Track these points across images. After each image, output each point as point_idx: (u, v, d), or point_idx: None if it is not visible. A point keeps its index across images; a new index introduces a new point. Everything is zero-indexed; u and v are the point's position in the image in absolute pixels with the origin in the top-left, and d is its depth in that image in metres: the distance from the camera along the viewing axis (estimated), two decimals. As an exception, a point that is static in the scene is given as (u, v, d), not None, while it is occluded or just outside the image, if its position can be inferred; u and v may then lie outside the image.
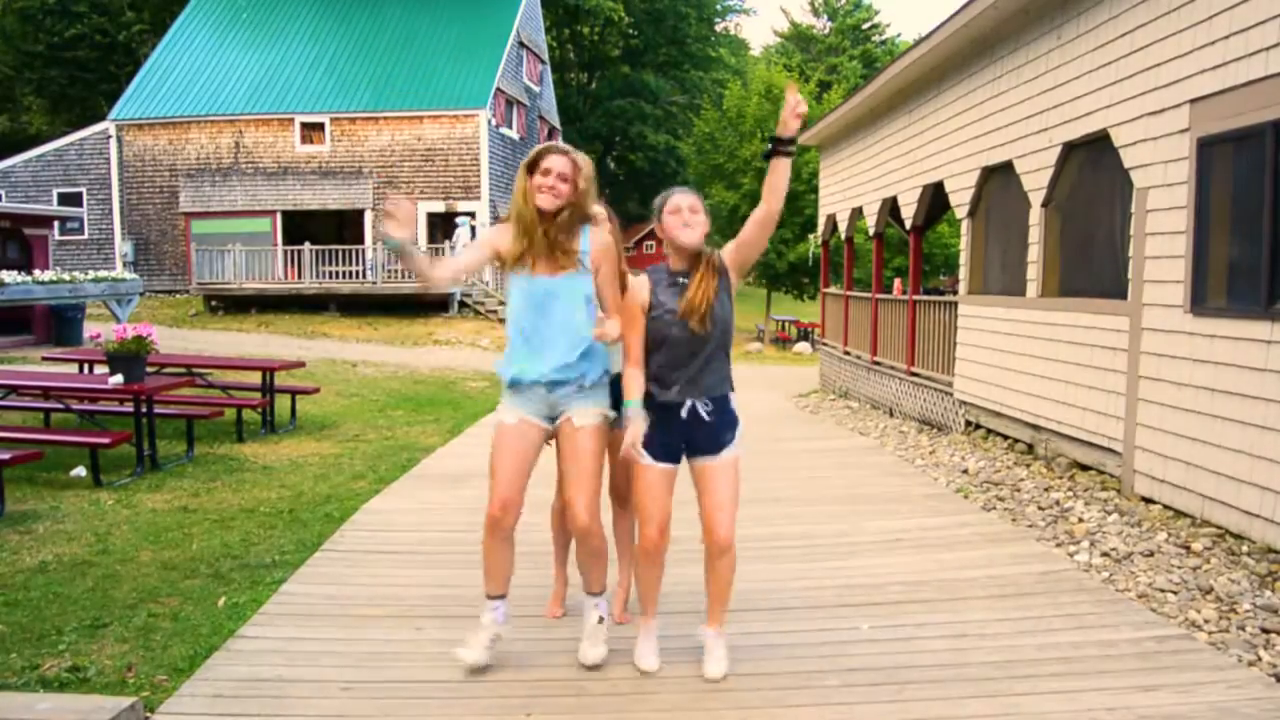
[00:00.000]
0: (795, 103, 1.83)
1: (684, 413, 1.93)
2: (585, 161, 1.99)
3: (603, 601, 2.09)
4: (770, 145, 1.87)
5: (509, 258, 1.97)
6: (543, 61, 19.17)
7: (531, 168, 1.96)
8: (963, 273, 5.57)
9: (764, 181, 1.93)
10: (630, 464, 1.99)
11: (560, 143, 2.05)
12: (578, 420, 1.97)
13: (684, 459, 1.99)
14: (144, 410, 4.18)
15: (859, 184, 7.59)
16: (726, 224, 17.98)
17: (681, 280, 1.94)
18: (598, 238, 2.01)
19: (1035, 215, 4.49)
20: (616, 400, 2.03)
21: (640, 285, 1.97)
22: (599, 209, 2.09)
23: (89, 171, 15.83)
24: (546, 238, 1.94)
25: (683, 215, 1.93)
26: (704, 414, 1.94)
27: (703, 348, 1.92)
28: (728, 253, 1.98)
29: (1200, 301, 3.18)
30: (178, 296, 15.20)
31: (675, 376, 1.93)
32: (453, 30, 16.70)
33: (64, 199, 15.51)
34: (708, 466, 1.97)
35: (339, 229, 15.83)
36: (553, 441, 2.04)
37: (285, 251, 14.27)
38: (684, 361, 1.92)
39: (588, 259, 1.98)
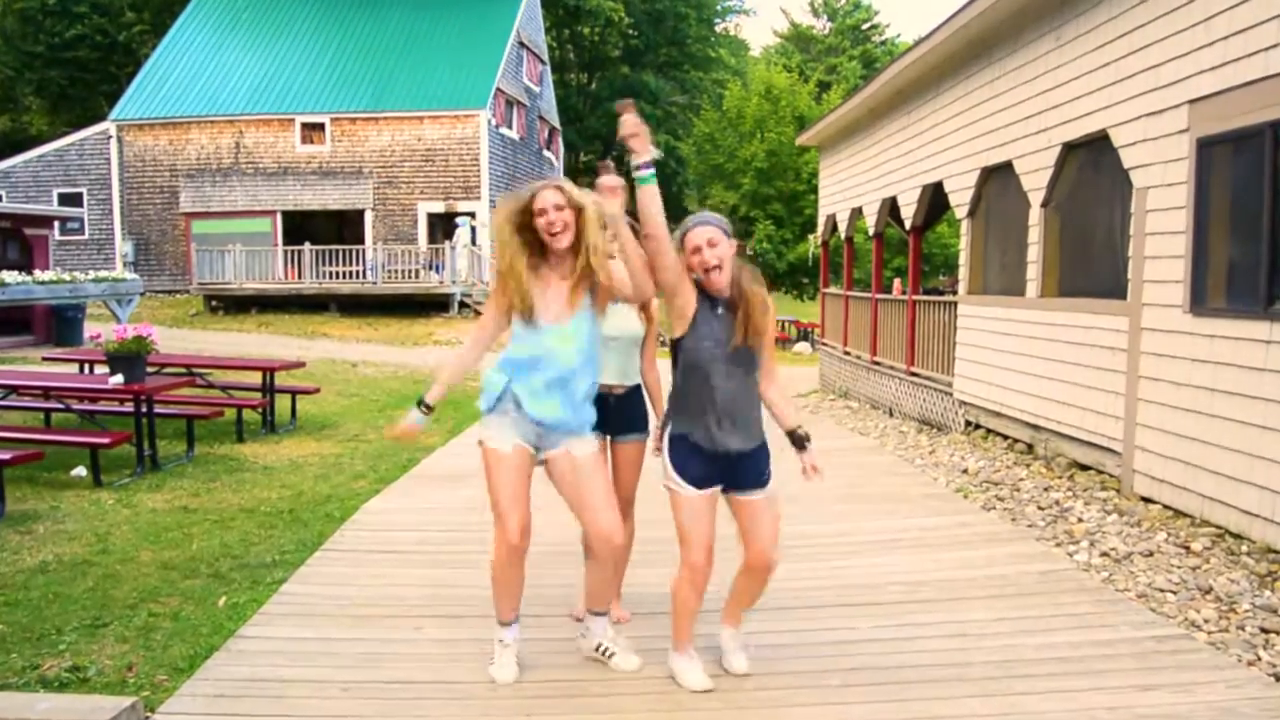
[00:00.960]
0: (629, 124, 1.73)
1: (722, 453, 1.87)
2: (569, 185, 1.93)
3: (607, 617, 2.10)
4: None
5: (520, 309, 1.88)
6: (543, 62, 19.18)
7: (528, 215, 1.87)
8: (962, 273, 5.58)
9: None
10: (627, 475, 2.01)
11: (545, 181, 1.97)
12: (577, 452, 1.94)
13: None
14: (144, 410, 4.19)
15: (859, 184, 7.59)
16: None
17: (722, 311, 1.86)
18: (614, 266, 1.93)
19: (1035, 215, 4.50)
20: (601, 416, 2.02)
21: (691, 296, 1.87)
22: (610, 179, 1.94)
23: (89, 172, 15.84)
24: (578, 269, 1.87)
25: (704, 253, 1.82)
26: (744, 451, 1.88)
27: (739, 372, 1.86)
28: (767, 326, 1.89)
29: (1199, 301, 3.19)
30: (178, 297, 15.20)
31: (712, 416, 1.85)
32: (453, 31, 16.71)
33: (64, 199, 15.52)
34: (753, 500, 1.93)
35: (339, 229, 15.83)
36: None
37: (285, 252, 14.27)
38: (721, 395, 1.85)
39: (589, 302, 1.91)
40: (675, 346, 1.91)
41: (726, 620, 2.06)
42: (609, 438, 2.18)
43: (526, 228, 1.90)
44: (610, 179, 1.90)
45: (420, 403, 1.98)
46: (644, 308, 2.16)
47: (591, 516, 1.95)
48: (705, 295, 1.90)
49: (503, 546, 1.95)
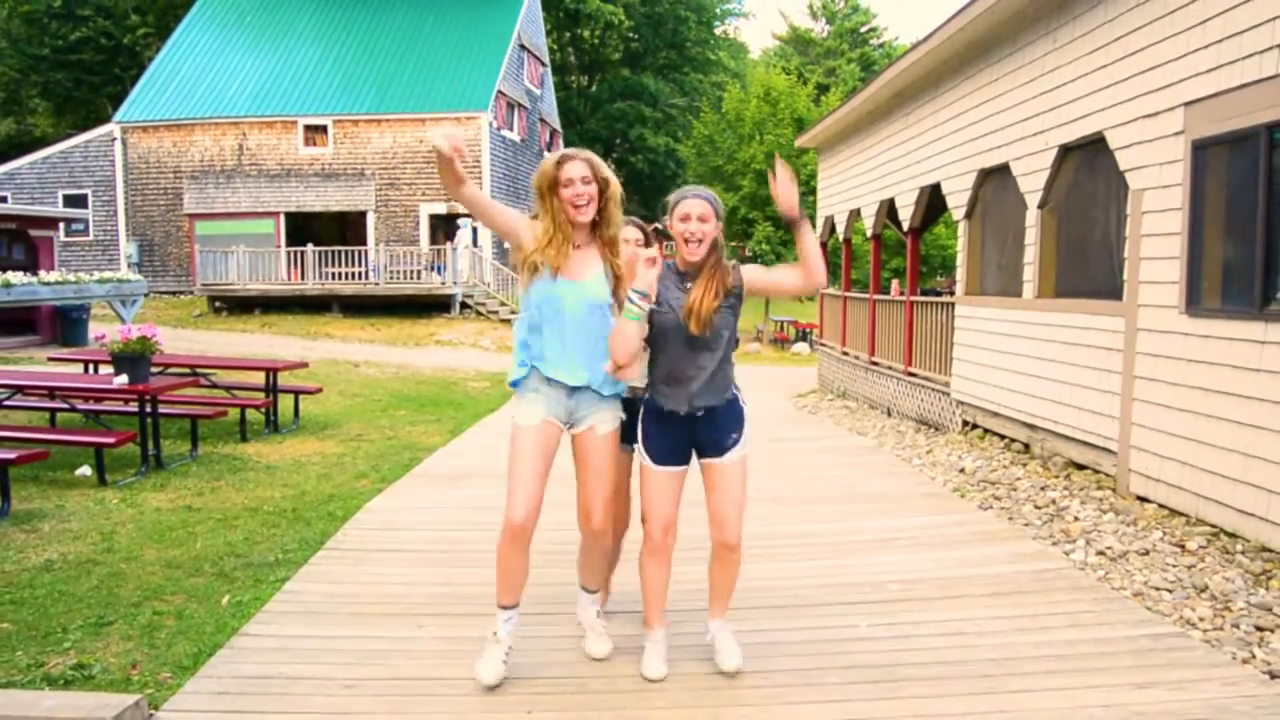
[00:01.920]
0: (781, 179, 1.77)
1: (684, 418, 1.94)
2: (596, 159, 1.96)
3: (597, 598, 2.14)
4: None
5: (539, 256, 1.90)
6: (543, 64, 19.23)
7: (554, 184, 1.90)
8: (960, 274, 5.59)
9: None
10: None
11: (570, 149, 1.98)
12: (601, 429, 1.98)
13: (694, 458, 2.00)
14: (148, 410, 4.21)
15: (857, 186, 7.61)
16: (726, 225, 17.95)
17: (687, 284, 1.93)
18: (624, 251, 1.99)
19: (1031, 217, 4.51)
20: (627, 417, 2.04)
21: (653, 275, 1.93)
22: (649, 251, 1.97)
23: (94, 173, 15.90)
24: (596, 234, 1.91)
25: (691, 224, 1.90)
26: (702, 419, 1.95)
27: (702, 352, 1.92)
28: (749, 275, 1.95)
29: (1195, 302, 3.20)
30: (182, 297, 15.25)
31: (675, 383, 1.93)
32: (454, 33, 16.76)
33: (69, 201, 15.58)
34: (712, 466, 1.99)
35: (341, 230, 15.88)
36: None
37: (288, 253, 14.32)
38: (683, 365, 1.92)
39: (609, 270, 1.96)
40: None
41: (712, 613, 2.09)
42: (629, 445, 2.12)
43: (552, 194, 1.91)
44: (649, 251, 1.90)
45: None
46: None
47: (583, 493, 2.00)
48: (673, 268, 1.95)
49: (507, 525, 1.94)
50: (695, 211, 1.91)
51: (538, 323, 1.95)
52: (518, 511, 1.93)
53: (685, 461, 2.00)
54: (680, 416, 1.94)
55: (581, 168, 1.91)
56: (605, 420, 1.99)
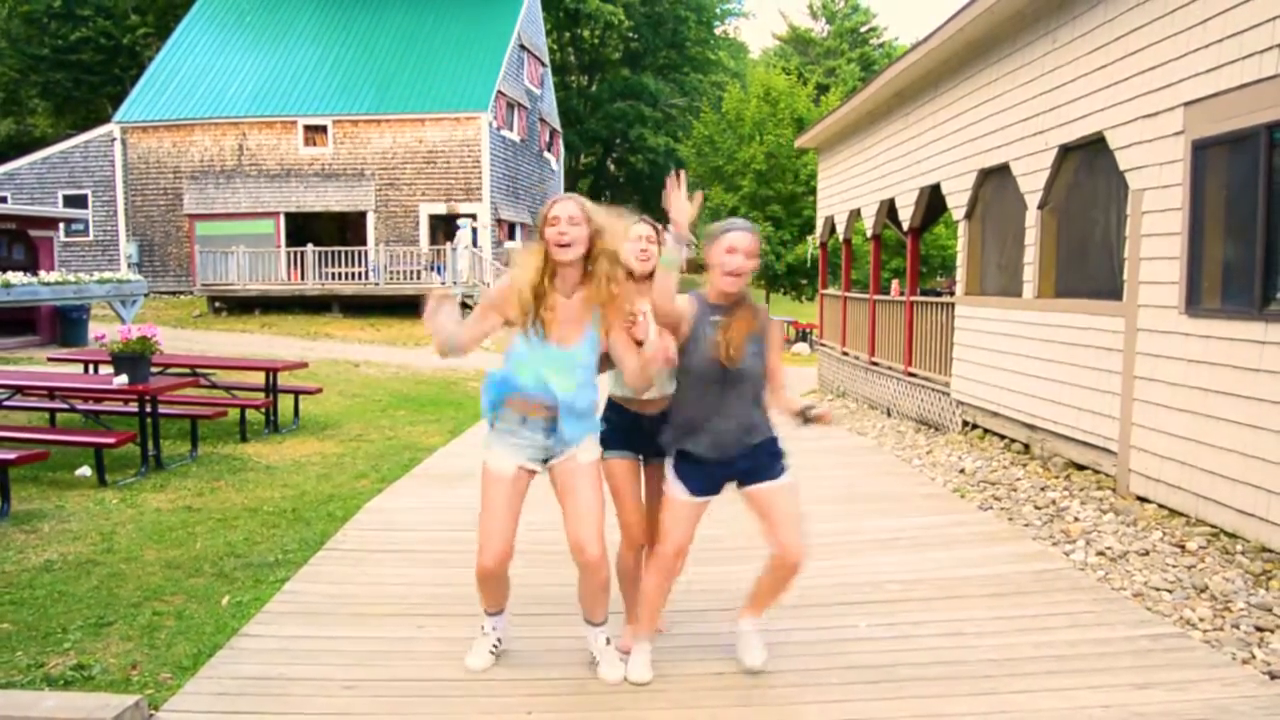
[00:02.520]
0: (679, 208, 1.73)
1: (717, 461, 1.90)
2: (591, 204, 1.91)
3: (605, 629, 2.06)
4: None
5: (524, 324, 1.86)
6: (543, 64, 19.23)
7: (544, 221, 1.86)
8: (960, 274, 5.59)
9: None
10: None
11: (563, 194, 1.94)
12: (582, 457, 1.93)
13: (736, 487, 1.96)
14: (148, 410, 4.21)
15: (857, 186, 7.61)
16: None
17: (716, 318, 1.89)
18: (632, 249, 1.94)
19: (1031, 217, 4.52)
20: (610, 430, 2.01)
21: (686, 305, 1.90)
22: (644, 227, 1.98)
23: (94, 174, 15.90)
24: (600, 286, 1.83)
25: (737, 257, 1.85)
26: (739, 459, 1.90)
27: (730, 394, 1.88)
28: (769, 334, 1.92)
29: (1195, 302, 3.20)
30: (182, 298, 15.25)
31: (702, 432, 1.87)
32: (454, 33, 16.76)
33: (69, 201, 15.59)
34: (761, 492, 1.94)
35: (341, 231, 15.89)
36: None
37: (288, 253, 14.31)
38: (713, 406, 1.87)
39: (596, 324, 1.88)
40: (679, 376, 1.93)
41: (747, 611, 2.07)
42: (642, 459, 2.06)
43: (543, 238, 1.88)
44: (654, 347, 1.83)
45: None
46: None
47: (572, 525, 1.93)
48: (704, 300, 1.92)
49: (479, 568, 1.96)
50: (743, 246, 1.87)
51: (521, 384, 1.89)
52: (489, 559, 1.93)
53: (717, 492, 1.97)
54: (713, 460, 1.91)
55: (570, 207, 1.87)
56: (586, 448, 1.94)
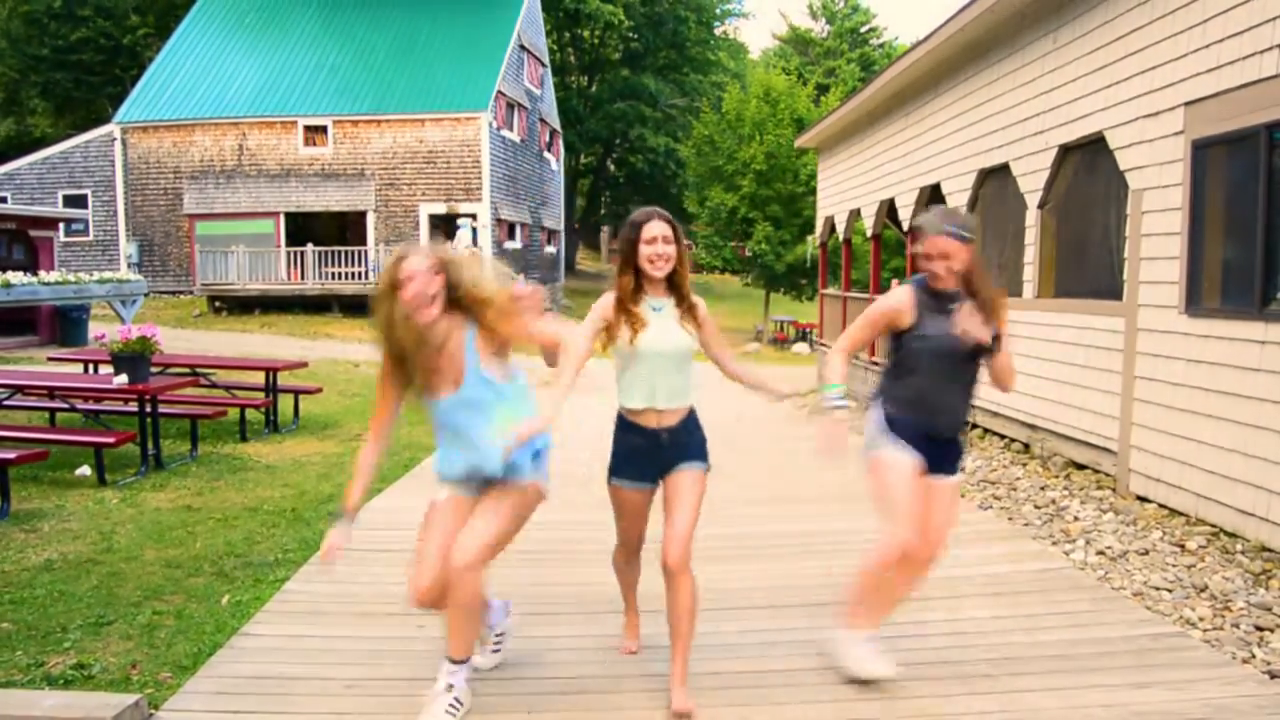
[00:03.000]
0: None
1: (928, 438, 1.93)
2: (437, 249, 1.77)
3: (460, 671, 1.82)
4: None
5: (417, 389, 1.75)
6: (543, 65, 19.24)
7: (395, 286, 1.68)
8: (961, 274, 5.61)
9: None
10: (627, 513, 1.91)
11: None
12: (509, 486, 1.81)
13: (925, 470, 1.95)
14: (148, 410, 4.21)
15: (857, 186, 7.61)
16: (726, 225, 18.01)
17: (950, 306, 1.89)
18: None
19: (1031, 217, 4.52)
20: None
21: (901, 303, 1.92)
22: (660, 226, 1.84)
23: (94, 174, 15.91)
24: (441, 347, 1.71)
25: (948, 262, 1.88)
26: (946, 441, 1.94)
27: (958, 382, 1.92)
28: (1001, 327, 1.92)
29: (1195, 302, 3.21)
30: (181, 297, 15.25)
31: (926, 411, 1.92)
32: (454, 34, 16.77)
33: (69, 201, 15.59)
34: (939, 485, 1.97)
35: (341, 230, 15.89)
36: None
37: (288, 253, 14.35)
38: (939, 392, 1.91)
39: (474, 358, 1.76)
40: (897, 341, 1.97)
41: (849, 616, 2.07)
42: (660, 480, 1.92)
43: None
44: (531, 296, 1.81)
45: (339, 514, 1.87)
46: (691, 311, 1.92)
47: (455, 541, 1.79)
48: (931, 294, 1.93)
49: (411, 601, 1.82)
50: (946, 249, 1.88)
51: (441, 441, 1.82)
52: (412, 595, 1.81)
53: (923, 462, 1.96)
54: (925, 437, 1.93)
55: (416, 263, 1.71)
56: (515, 482, 1.81)
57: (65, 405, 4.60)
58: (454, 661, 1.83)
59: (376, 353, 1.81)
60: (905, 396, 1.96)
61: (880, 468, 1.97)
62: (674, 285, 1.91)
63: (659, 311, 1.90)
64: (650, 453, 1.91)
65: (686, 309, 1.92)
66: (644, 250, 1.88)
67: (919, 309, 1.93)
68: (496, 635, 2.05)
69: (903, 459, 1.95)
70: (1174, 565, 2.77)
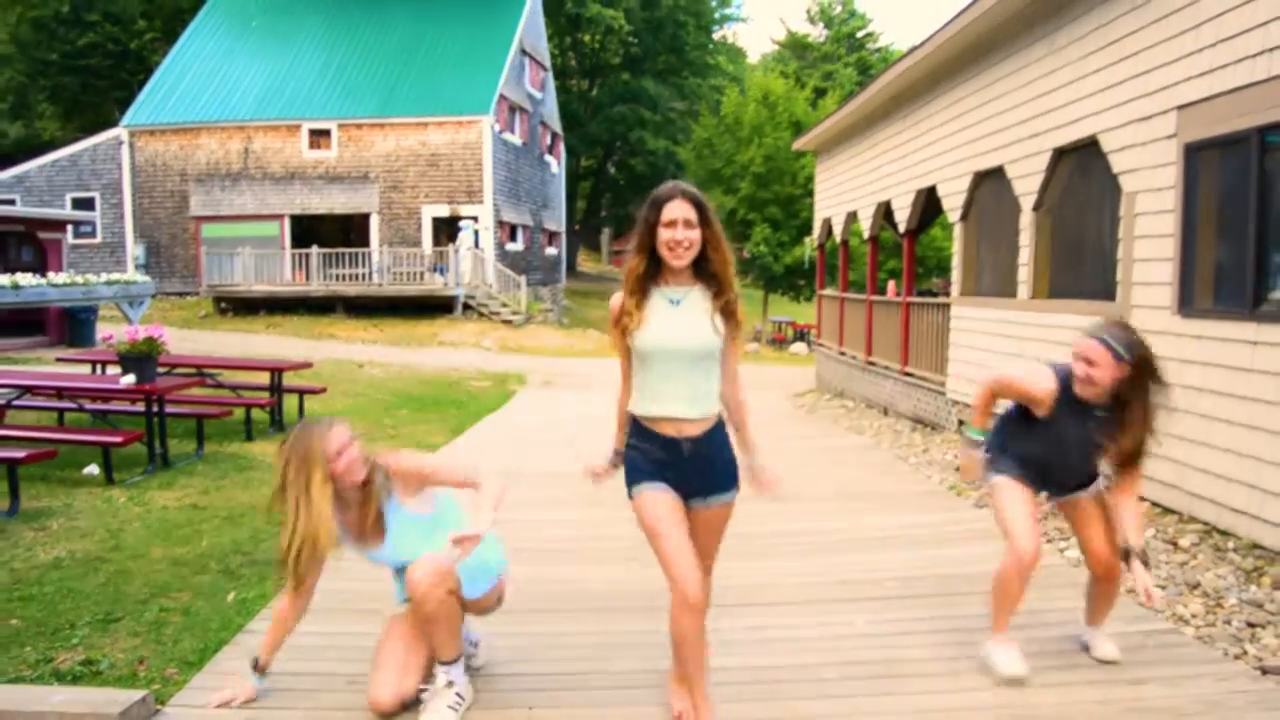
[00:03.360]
0: None
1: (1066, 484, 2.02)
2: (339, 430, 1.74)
3: (456, 667, 1.82)
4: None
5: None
6: (545, 69, 19.32)
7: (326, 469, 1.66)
8: (955, 275, 5.62)
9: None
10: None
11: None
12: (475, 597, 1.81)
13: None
14: (155, 410, 4.25)
15: (854, 188, 7.64)
16: (725, 226, 17.97)
17: (1094, 415, 1.90)
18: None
19: (1026, 219, 4.55)
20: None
21: (1041, 395, 1.92)
22: (683, 206, 1.60)
23: (102, 176, 16.02)
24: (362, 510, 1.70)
25: (1090, 374, 1.86)
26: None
27: (1081, 465, 1.99)
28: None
29: (1187, 303, 3.23)
30: (188, 299, 15.30)
31: (1043, 473, 2.00)
32: (457, 38, 16.86)
33: (77, 203, 15.70)
34: (1077, 502, 2.05)
35: (345, 232, 16.00)
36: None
37: (293, 255, 14.43)
38: (1059, 470, 1.98)
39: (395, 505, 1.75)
40: (1020, 418, 2.01)
41: (1091, 621, 2.16)
42: (686, 501, 1.68)
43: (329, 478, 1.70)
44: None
45: (255, 667, 1.88)
46: (728, 308, 1.65)
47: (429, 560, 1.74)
48: (1074, 397, 1.91)
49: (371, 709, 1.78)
50: (1093, 356, 1.87)
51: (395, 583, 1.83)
52: (384, 702, 1.79)
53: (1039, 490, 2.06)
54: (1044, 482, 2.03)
55: (337, 441, 1.71)
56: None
57: (73, 405, 4.64)
58: (445, 663, 1.84)
59: (281, 540, 1.73)
60: (1024, 456, 2.03)
61: (1000, 490, 2.04)
62: (706, 273, 1.63)
63: (677, 304, 1.63)
64: (672, 465, 1.65)
65: (722, 304, 1.64)
66: (663, 234, 1.60)
67: (1057, 408, 1.94)
68: (471, 643, 2.04)
69: (1018, 485, 2.03)
70: (1167, 563, 2.79)
